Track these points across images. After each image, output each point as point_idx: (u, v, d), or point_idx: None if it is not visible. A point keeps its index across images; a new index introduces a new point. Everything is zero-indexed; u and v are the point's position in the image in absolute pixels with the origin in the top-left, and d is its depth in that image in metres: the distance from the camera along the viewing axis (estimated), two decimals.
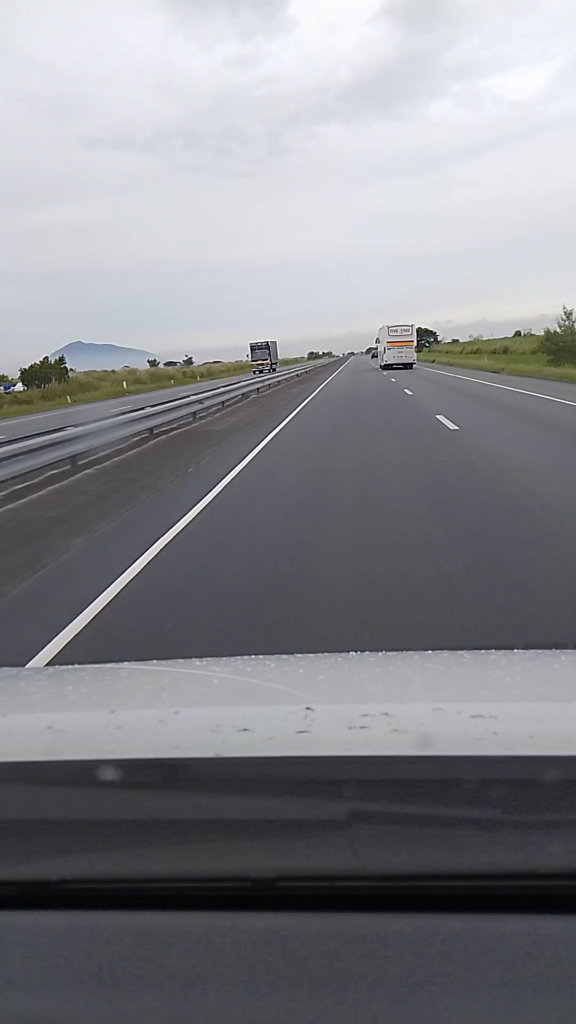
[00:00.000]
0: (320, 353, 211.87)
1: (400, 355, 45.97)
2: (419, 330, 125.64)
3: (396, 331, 46.65)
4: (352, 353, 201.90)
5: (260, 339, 57.66)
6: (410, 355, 46.62)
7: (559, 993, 0.59)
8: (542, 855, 0.69)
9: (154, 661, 1.36)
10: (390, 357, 46.18)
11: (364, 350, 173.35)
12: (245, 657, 1.27)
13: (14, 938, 0.69)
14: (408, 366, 45.28)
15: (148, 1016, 0.61)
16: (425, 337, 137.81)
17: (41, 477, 9.81)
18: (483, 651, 1.21)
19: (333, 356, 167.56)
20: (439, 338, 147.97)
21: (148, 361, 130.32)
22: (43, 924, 0.70)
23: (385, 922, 0.67)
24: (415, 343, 48.39)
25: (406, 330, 46.91)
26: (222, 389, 22.58)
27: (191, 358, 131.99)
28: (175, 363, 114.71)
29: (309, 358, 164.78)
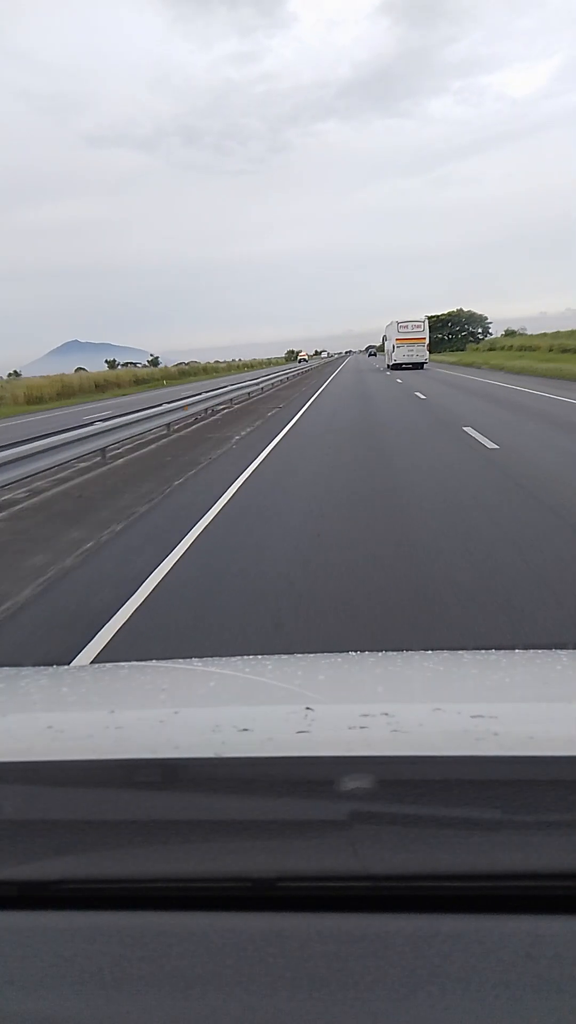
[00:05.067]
0: (318, 352, 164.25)
1: (410, 354, 42.58)
2: (459, 313, 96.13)
3: (406, 327, 42.92)
4: (350, 351, 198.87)
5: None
6: (422, 353, 43.05)
7: (559, 993, 0.59)
8: (542, 855, 0.69)
9: (154, 661, 1.36)
10: (399, 356, 42.48)
11: (362, 348, 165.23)
12: (245, 657, 1.27)
13: (14, 938, 0.69)
14: (419, 366, 42.06)
15: (148, 1016, 0.61)
16: (469, 326, 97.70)
17: None
18: (483, 651, 1.21)
19: (325, 356, 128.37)
20: (488, 325, 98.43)
21: (106, 362, 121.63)
22: (43, 924, 0.70)
23: (385, 922, 0.67)
24: (427, 340, 44.53)
25: (417, 326, 42.99)
26: None
27: (157, 358, 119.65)
28: (136, 364, 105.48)
29: (287, 358, 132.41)
